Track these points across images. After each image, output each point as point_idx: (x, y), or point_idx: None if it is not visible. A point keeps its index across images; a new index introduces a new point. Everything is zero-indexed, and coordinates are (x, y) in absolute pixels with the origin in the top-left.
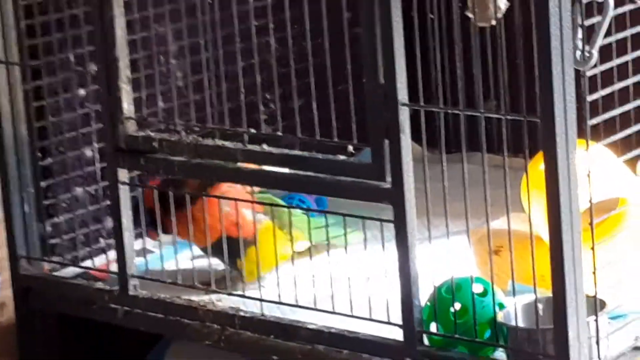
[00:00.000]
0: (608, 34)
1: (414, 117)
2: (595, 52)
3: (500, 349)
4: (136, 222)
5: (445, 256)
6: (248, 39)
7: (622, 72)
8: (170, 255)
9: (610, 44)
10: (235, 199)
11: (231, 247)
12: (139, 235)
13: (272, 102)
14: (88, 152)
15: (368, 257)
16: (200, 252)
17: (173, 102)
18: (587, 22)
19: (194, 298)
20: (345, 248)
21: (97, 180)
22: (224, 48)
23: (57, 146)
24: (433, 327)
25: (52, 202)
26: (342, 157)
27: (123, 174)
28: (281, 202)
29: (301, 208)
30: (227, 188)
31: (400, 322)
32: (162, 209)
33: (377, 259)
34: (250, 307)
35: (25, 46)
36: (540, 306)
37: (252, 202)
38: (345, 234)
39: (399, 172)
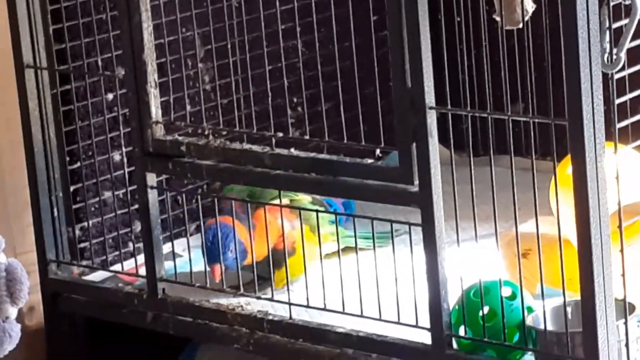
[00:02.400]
0: (636, 36)
1: (442, 120)
2: (622, 55)
3: (529, 353)
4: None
5: (474, 259)
6: (275, 42)
7: None
8: (199, 259)
9: (638, 47)
10: (265, 203)
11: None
12: (167, 239)
13: (300, 105)
14: (116, 156)
15: (396, 260)
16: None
17: (200, 105)
18: (615, 25)
19: (223, 302)
20: (374, 251)
21: (125, 184)
22: (251, 51)
23: (86, 150)
24: (461, 331)
25: (81, 206)
26: (369, 161)
27: (151, 178)
28: (310, 207)
29: (329, 212)
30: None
31: (429, 326)
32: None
33: (406, 263)
34: (279, 311)
35: (53, 51)
36: (569, 309)
37: (280, 205)
38: (374, 246)
39: (427, 175)
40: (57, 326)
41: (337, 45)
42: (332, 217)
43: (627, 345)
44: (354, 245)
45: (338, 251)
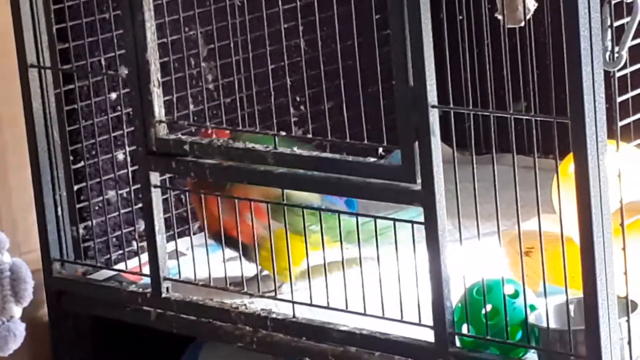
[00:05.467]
0: (637, 34)
1: (444, 119)
2: (624, 53)
3: (532, 350)
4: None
5: (476, 257)
6: (278, 41)
7: None
8: (202, 258)
9: (639, 44)
10: (251, 200)
11: (229, 244)
12: (170, 238)
13: (302, 104)
14: (120, 155)
15: (399, 259)
16: (233, 254)
17: (204, 104)
18: (617, 23)
19: (226, 300)
20: (377, 250)
21: (129, 183)
22: (253, 50)
23: (89, 149)
24: (464, 329)
25: (84, 205)
26: (372, 159)
27: (155, 177)
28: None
29: (331, 210)
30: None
31: (432, 324)
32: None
33: (408, 261)
34: (282, 309)
35: (57, 50)
36: (571, 307)
37: (266, 202)
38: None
39: (429, 173)
40: (61, 325)
41: (340, 44)
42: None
43: (629, 342)
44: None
45: (341, 250)
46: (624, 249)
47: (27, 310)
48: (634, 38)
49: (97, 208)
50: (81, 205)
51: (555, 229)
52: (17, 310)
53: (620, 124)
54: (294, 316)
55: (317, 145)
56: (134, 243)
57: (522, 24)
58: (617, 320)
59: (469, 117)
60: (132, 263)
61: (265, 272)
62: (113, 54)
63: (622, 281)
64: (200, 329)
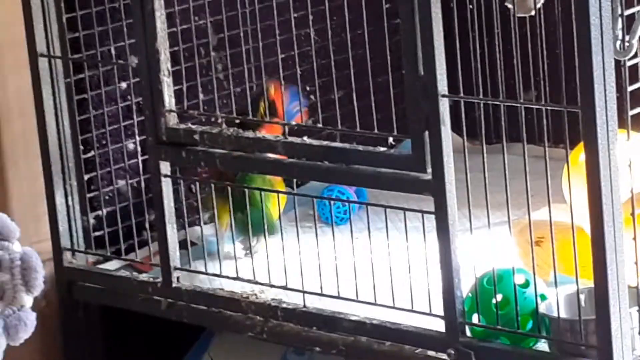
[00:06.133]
0: None
1: (454, 108)
2: (635, 42)
3: (543, 340)
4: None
5: (487, 247)
6: (288, 30)
7: None
8: (212, 248)
9: None
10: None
11: None
12: (181, 227)
13: (312, 93)
14: (130, 145)
15: (409, 248)
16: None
17: (214, 94)
18: (627, 12)
19: (237, 290)
20: (387, 239)
21: (139, 172)
22: (263, 40)
23: (100, 139)
24: (475, 319)
25: (95, 195)
26: (382, 149)
27: (165, 167)
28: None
29: (341, 200)
30: None
31: (442, 314)
32: None
33: (419, 251)
34: (293, 299)
35: (67, 40)
36: (582, 297)
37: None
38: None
39: (440, 163)
40: (72, 314)
41: (350, 34)
42: None
43: None
44: None
45: (351, 239)
46: (634, 238)
47: (37, 300)
48: None
49: (107, 198)
50: (91, 194)
51: (566, 219)
52: (27, 300)
53: (630, 113)
54: (304, 306)
55: (327, 135)
56: (145, 233)
57: (533, 12)
58: (628, 310)
59: (479, 106)
60: (143, 253)
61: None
62: (123, 43)
63: (632, 271)
64: (210, 319)
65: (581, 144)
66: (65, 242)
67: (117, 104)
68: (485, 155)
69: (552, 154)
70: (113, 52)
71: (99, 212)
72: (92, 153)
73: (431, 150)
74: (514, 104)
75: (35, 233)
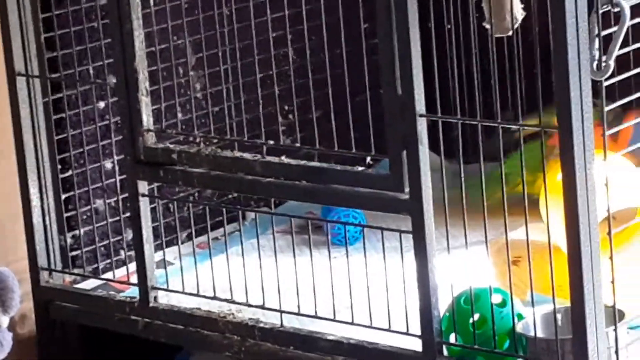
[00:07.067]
0: (625, 44)
1: (432, 128)
2: (612, 62)
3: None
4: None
5: (464, 267)
6: (266, 50)
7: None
8: (190, 267)
9: (627, 54)
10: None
11: None
12: (158, 247)
13: (291, 113)
14: (108, 164)
15: (387, 267)
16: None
17: (192, 113)
18: (604, 33)
19: (214, 309)
20: (365, 259)
21: (117, 192)
22: (242, 59)
23: (77, 158)
24: (452, 338)
25: (72, 214)
26: (360, 168)
27: (143, 186)
28: None
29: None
30: None
31: (419, 333)
32: None
33: (396, 270)
34: (270, 319)
35: (45, 59)
36: (559, 316)
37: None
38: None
39: (417, 182)
40: (49, 334)
41: (328, 53)
42: None
43: (616, 352)
44: None
45: (329, 258)
46: (611, 257)
47: (14, 320)
48: (621, 47)
49: (85, 217)
50: (69, 214)
51: (543, 238)
52: (4, 320)
53: (608, 132)
54: (281, 325)
55: (305, 154)
56: (122, 252)
57: (510, 33)
58: (605, 330)
59: (457, 126)
60: (120, 272)
61: None
62: (101, 63)
63: (609, 290)
64: (188, 338)
65: (558, 164)
66: (42, 261)
67: (95, 124)
68: (463, 174)
69: None
70: (91, 71)
71: (77, 232)
72: (69, 172)
73: (409, 169)
74: (491, 124)
75: (12, 252)
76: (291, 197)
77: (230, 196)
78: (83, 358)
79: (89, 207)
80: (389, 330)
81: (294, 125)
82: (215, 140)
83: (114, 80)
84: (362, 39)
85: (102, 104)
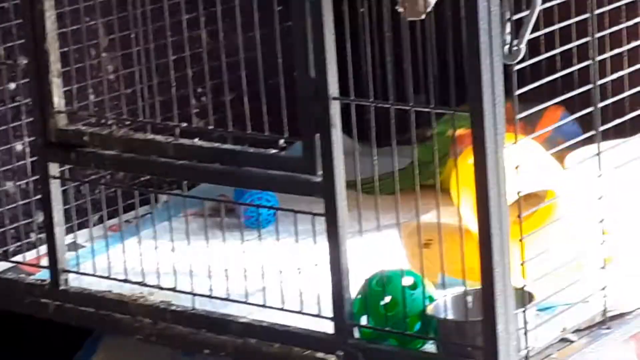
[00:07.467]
0: (536, 28)
1: (345, 111)
2: (523, 46)
3: (430, 342)
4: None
5: (377, 249)
6: (179, 32)
7: (551, 66)
8: (101, 249)
9: (538, 38)
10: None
11: None
12: (69, 230)
13: (204, 95)
14: (18, 146)
15: (299, 250)
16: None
17: (104, 95)
18: (516, 17)
19: (126, 292)
20: (277, 241)
21: (27, 174)
22: (155, 41)
23: None
24: (364, 320)
25: None
26: (273, 151)
27: (54, 168)
28: None
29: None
30: None
31: (331, 315)
32: None
33: (309, 252)
34: (182, 301)
35: None
36: (469, 299)
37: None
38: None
39: (330, 165)
40: None
41: (241, 36)
42: None
43: (525, 333)
44: None
45: (241, 241)
46: (521, 240)
47: None
48: (532, 32)
49: None
50: None
51: (454, 221)
52: None
53: (518, 116)
54: (193, 308)
55: (219, 137)
56: (32, 235)
57: (423, 16)
58: (514, 312)
59: (370, 109)
60: (31, 255)
61: None
62: (12, 44)
63: (519, 273)
64: (99, 321)
65: (470, 147)
66: None
67: (5, 105)
68: (375, 157)
69: None
70: (2, 52)
71: None
72: None
73: (322, 152)
74: (404, 107)
75: None
76: (204, 179)
77: (142, 179)
78: None
79: None
80: (300, 312)
81: (207, 108)
82: (127, 123)
83: (25, 61)
84: (276, 21)
85: (12, 85)
